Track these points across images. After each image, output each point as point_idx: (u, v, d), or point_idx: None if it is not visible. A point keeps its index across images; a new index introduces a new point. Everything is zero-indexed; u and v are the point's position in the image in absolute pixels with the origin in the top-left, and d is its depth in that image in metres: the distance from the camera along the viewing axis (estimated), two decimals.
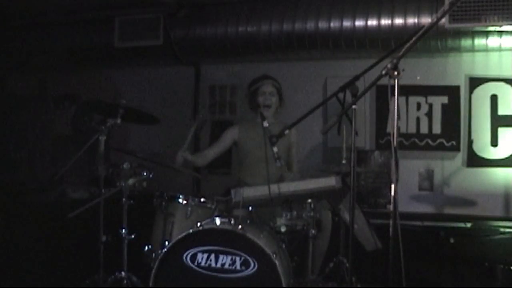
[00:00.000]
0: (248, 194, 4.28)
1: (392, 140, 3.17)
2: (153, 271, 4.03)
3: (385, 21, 6.23)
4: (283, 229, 4.29)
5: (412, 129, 6.93)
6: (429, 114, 6.89)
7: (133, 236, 4.69)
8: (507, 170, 6.59)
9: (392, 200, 3.18)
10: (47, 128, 8.47)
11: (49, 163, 8.35)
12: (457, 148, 6.80)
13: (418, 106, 6.92)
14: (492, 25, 5.85)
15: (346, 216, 4.87)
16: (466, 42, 6.19)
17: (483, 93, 6.71)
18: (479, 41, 6.15)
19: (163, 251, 4.07)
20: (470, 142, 6.74)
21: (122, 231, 4.66)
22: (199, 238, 4.04)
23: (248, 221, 4.25)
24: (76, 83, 8.27)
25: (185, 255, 4.03)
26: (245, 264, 3.93)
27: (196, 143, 7.76)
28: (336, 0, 6.50)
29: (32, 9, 7.32)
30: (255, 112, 5.44)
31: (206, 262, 4.00)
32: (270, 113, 5.33)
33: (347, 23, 6.37)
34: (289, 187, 4.28)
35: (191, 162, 5.31)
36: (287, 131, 4.11)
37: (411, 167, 6.88)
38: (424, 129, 6.90)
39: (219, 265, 3.97)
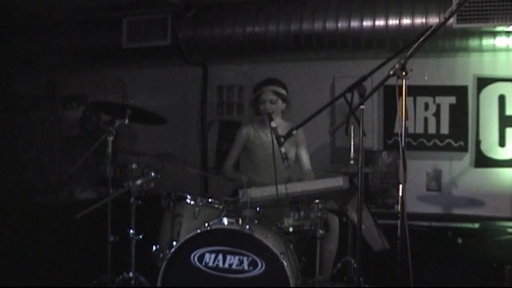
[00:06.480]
0: (256, 195, 4.28)
1: (400, 140, 3.16)
2: (161, 271, 4.04)
3: (392, 21, 6.22)
4: (290, 229, 4.29)
5: (420, 130, 6.92)
6: (437, 115, 6.89)
7: (141, 236, 4.70)
8: None
9: (400, 201, 3.18)
10: (55, 128, 8.49)
11: (57, 164, 8.38)
12: (465, 149, 6.79)
13: (426, 107, 6.91)
14: (500, 25, 5.84)
15: (354, 217, 4.87)
16: (473, 42, 6.18)
17: (491, 93, 6.70)
18: (487, 41, 6.13)
19: (171, 251, 4.08)
20: (478, 143, 6.73)
21: (130, 231, 4.67)
22: (207, 238, 4.04)
23: (255, 222, 4.26)
24: (84, 84, 8.29)
25: (192, 255, 4.04)
26: (253, 264, 3.94)
27: (204, 144, 7.78)
28: (343, 0, 6.49)
29: (40, 10, 7.35)
30: (260, 115, 5.42)
31: (213, 262, 4.00)
32: (275, 116, 5.27)
33: (354, 23, 6.36)
34: (296, 187, 4.27)
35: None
36: (294, 131, 4.10)
37: (419, 168, 6.87)
38: (432, 130, 6.90)
39: (226, 265, 3.98)
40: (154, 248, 4.56)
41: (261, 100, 5.33)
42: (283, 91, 5.36)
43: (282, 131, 4.58)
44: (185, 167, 5.04)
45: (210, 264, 4.01)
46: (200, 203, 4.51)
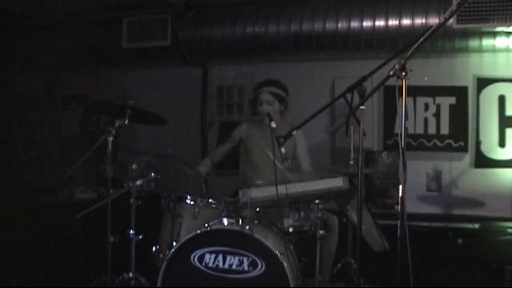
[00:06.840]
0: (256, 195, 4.28)
1: (400, 141, 3.16)
2: (161, 271, 4.04)
3: (392, 22, 6.21)
4: (290, 230, 4.29)
5: (420, 130, 6.92)
6: (437, 115, 6.88)
7: (141, 237, 4.70)
8: None
9: (399, 201, 3.18)
10: (55, 129, 8.48)
11: (57, 164, 8.36)
12: (465, 149, 6.79)
13: (426, 107, 6.91)
14: (500, 26, 5.84)
15: (354, 217, 4.87)
16: (473, 43, 6.18)
17: (491, 94, 6.70)
18: (487, 42, 6.13)
19: (171, 251, 4.08)
20: (478, 143, 6.72)
21: (130, 231, 4.67)
22: (207, 239, 4.05)
23: (255, 222, 4.26)
24: (84, 84, 8.29)
25: (192, 255, 4.04)
26: (253, 264, 3.94)
27: (204, 144, 7.78)
28: (343, 1, 6.49)
29: (40, 10, 7.34)
30: (257, 115, 5.41)
31: (213, 263, 4.01)
32: (273, 116, 5.25)
33: (354, 24, 6.35)
34: (296, 188, 4.27)
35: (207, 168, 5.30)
36: (294, 132, 4.10)
37: (419, 168, 6.87)
38: (432, 130, 6.89)
39: (226, 265, 3.98)
40: (154, 248, 4.57)
41: (258, 101, 5.33)
42: (280, 92, 5.35)
43: (279, 133, 4.56)
44: (184, 169, 5.03)
45: (210, 264, 4.01)
46: (200, 204, 4.51)
